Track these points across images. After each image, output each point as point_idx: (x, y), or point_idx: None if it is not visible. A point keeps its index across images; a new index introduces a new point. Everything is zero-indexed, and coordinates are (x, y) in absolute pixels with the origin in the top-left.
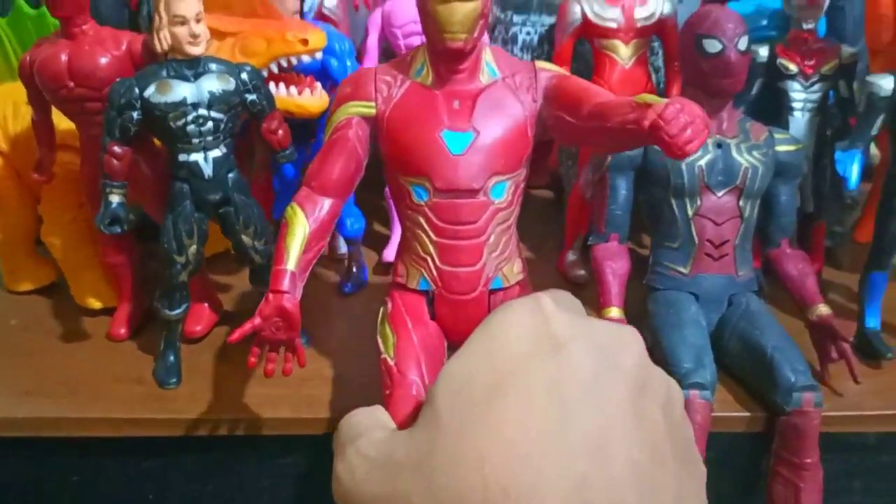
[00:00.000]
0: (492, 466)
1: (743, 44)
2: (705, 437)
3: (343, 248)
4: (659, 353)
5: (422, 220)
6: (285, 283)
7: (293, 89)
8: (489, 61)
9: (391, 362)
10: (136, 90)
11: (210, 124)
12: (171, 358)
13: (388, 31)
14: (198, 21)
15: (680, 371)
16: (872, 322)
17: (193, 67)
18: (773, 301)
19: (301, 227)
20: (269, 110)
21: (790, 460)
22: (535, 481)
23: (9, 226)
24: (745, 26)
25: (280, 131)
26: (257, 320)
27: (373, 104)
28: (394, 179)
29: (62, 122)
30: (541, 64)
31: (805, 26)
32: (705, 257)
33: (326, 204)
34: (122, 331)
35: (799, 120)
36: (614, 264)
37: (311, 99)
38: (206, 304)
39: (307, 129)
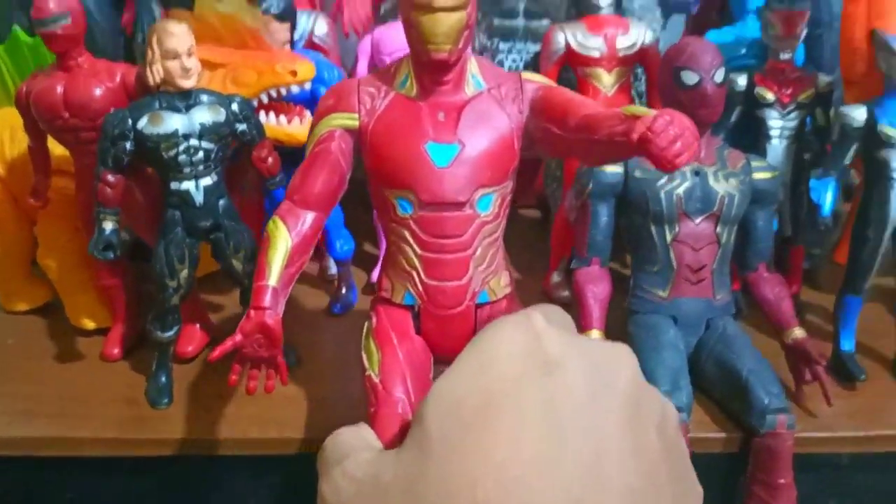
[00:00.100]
0: (484, 490)
1: (719, 76)
2: None
3: (333, 268)
4: None
5: (406, 234)
6: (267, 300)
7: (283, 118)
8: (475, 72)
9: (376, 379)
10: (130, 121)
11: (201, 154)
12: (163, 379)
13: (377, 58)
14: (189, 55)
15: None
16: (847, 345)
17: (185, 99)
18: (752, 322)
19: (283, 241)
20: (258, 139)
21: (765, 480)
22: None
23: (5, 247)
24: (722, 58)
25: (270, 159)
26: (238, 337)
27: (356, 116)
28: (378, 192)
29: (57, 148)
30: (527, 75)
31: (782, 56)
32: (684, 282)
33: (309, 218)
34: (116, 351)
35: (776, 147)
36: (595, 288)
37: (300, 128)
38: (197, 325)
39: (297, 157)
